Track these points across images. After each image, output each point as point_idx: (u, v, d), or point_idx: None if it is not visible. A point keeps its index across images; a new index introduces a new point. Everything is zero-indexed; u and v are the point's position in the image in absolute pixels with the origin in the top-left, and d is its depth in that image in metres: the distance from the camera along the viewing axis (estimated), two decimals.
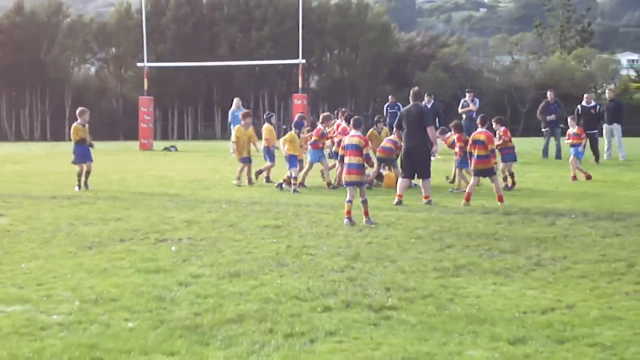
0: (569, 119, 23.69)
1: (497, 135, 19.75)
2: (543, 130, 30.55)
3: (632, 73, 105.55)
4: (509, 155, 20.16)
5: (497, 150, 19.09)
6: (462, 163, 19.48)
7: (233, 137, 21.73)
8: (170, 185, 21.06)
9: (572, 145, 22.66)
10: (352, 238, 12.41)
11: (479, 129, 17.51)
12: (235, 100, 35.67)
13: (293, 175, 19.80)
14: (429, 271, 9.99)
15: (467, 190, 17.07)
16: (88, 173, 20.08)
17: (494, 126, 19.96)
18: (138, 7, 73.93)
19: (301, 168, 21.16)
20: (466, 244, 11.81)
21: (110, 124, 78.76)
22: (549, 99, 30.76)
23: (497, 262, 10.52)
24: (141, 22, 48.84)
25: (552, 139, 30.20)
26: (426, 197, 16.91)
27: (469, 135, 18.06)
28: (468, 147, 17.68)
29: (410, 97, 17.60)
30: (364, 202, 14.26)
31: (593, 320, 7.74)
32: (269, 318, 7.80)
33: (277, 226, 13.62)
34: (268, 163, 21.87)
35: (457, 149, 19.62)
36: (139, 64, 49.33)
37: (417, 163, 17.11)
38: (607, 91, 34.50)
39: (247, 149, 21.57)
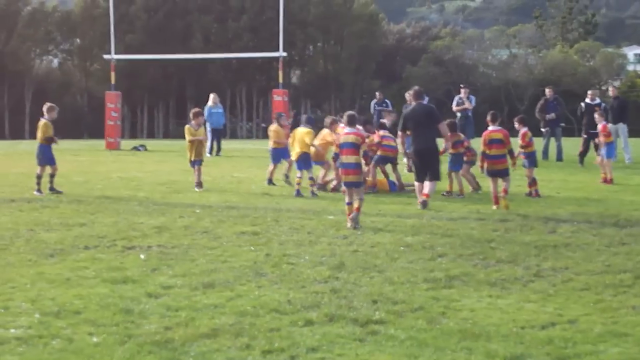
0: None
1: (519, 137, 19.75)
2: (542, 129, 30.62)
3: None
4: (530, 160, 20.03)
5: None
6: (455, 166, 19.54)
7: (188, 136, 21.35)
8: (139, 187, 21.00)
9: (605, 144, 22.63)
10: (336, 246, 12.41)
11: (492, 127, 17.59)
12: (212, 95, 35.72)
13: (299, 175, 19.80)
14: (419, 282, 9.99)
15: (493, 193, 17.11)
16: (53, 175, 19.94)
17: (516, 126, 19.87)
18: None
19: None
20: (459, 253, 11.82)
21: (74, 121, 78.50)
22: (547, 96, 30.82)
23: (493, 273, 10.53)
24: (108, 10, 48.62)
25: (553, 139, 30.29)
26: (426, 195, 16.97)
27: (465, 135, 18.22)
28: (482, 147, 17.60)
29: (411, 97, 18.14)
30: (361, 199, 14.59)
31: (597, 336, 7.76)
32: (245, 333, 7.78)
33: (255, 233, 13.60)
34: (271, 166, 21.70)
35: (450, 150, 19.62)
36: (105, 57, 49.16)
37: (429, 163, 17.32)
38: (610, 88, 34.56)
39: (198, 150, 21.24)
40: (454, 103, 31.35)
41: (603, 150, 22.70)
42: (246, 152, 38.30)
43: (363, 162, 16.59)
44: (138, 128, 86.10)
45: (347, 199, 14.74)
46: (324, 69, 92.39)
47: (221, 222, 14.88)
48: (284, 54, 43.14)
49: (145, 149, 39.68)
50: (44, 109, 20.43)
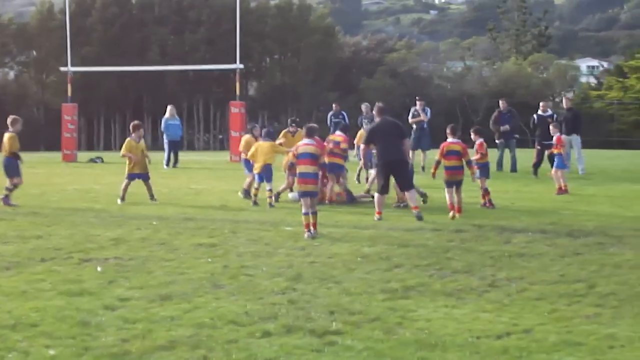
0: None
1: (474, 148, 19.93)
2: (497, 141, 30.79)
3: (592, 80, 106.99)
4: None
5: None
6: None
7: (123, 150, 21.14)
8: (95, 200, 20.89)
9: (554, 155, 23.01)
10: (293, 257, 12.40)
11: (451, 139, 17.95)
12: (169, 107, 35.62)
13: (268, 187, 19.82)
14: (376, 293, 10.01)
15: (449, 202, 17.46)
16: (14, 188, 19.88)
17: (472, 137, 20.06)
18: (61, 7, 73.23)
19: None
20: (416, 264, 11.85)
21: (31, 133, 77.36)
22: (501, 108, 31.01)
23: (449, 283, 10.57)
24: (64, 23, 48.47)
25: (507, 150, 30.46)
26: (416, 207, 17.02)
27: (421, 147, 18.40)
28: (438, 157, 17.94)
29: (375, 113, 18.13)
30: (314, 213, 14.69)
31: (551, 345, 7.81)
32: (203, 344, 7.76)
33: (213, 245, 13.56)
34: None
35: None
36: (62, 69, 48.91)
37: (400, 175, 17.39)
38: (564, 99, 34.86)
39: (142, 164, 21.06)
40: (410, 115, 31.40)
41: (555, 161, 22.97)
42: (203, 164, 38.19)
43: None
44: (95, 140, 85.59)
45: (303, 210, 14.82)
46: (280, 80, 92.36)
47: (178, 234, 14.82)
48: (241, 66, 43.12)
49: (102, 161, 39.43)
50: (8, 121, 20.30)
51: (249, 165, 20.88)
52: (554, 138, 23.22)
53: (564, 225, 15.87)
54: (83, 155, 44.43)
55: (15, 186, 19.88)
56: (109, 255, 12.52)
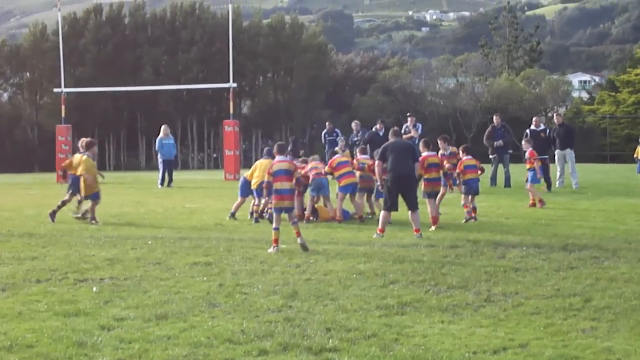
0: (523, 142, 24.24)
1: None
2: (490, 156, 30.83)
3: (585, 95, 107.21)
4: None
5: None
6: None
7: (82, 169, 21.02)
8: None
9: (528, 169, 23.28)
10: (289, 275, 12.38)
11: (427, 152, 18.84)
12: (163, 127, 35.64)
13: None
14: (372, 309, 9.99)
15: (431, 214, 18.36)
16: (80, 202, 20.96)
17: (460, 154, 20.88)
18: (54, 28, 73.52)
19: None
20: (411, 280, 11.84)
21: (25, 154, 77.86)
22: (495, 123, 31.07)
23: (445, 299, 10.56)
24: (58, 44, 48.55)
25: (501, 165, 30.50)
26: (418, 230, 16.96)
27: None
28: (419, 170, 18.24)
29: (391, 135, 18.25)
30: (295, 224, 15.22)
31: (548, 359, 7.79)
32: None
33: (208, 263, 13.54)
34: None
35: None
36: (55, 90, 48.96)
37: (408, 190, 17.42)
38: (555, 116, 34.99)
39: (95, 185, 21.00)
40: (402, 131, 31.41)
41: (530, 175, 23.18)
42: (198, 183, 38.16)
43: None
44: None
45: (274, 225, 15.14)
46: (274, 99, 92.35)
47: (173, 253, 14.80)
48: (234, 84, 43.19)
49: None
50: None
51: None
52: (527, 153, 23.49)
53: (558, 239, 15.88)
54: None
55: (64, 203, 21.04)
56: (104, 275, 12.50)
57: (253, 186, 20.22)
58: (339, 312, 9.85)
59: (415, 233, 16.89)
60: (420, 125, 31.83)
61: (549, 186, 28.50)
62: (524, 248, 14.76)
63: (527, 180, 23.56)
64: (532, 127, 29.82)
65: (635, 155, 31.58)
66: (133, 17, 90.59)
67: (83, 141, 21.77)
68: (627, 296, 10.54)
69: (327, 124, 35.18)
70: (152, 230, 18.48)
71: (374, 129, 31.00)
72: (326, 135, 33.77)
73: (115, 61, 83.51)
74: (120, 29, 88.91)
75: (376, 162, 18.09)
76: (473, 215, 19.88)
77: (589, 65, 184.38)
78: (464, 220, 19.72)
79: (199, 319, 9.60)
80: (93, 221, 20.09)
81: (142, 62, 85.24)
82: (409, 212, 17.24)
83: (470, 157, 20.52)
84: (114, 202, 26.19)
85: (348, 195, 20.74)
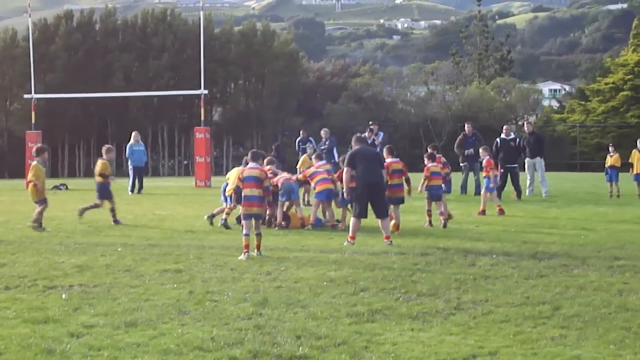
0: (480, 150, 24.45)
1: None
2: (461, 165, 30.92)
3: (555, 103, 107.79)
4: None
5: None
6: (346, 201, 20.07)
7: (31, 176, 20.87)
8: (60, 227, 20.74)
9: (484, 177, 23.53)
10: (259, 282, 12.36)
11: (391, 159, 19.13)
12: (134, 133, 35.53)
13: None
14: (342, 317, 9.99)
15: (395, 222, 18.84)
16: (112, 209, 21.72)
17: (425, 162, 21.28)
18: (25, 34, 73.14)
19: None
20: (382, 287, 11.84)
21: None
22: (466, 131, 31.16)
23: (415, 306, 10.57)
24: (28, 50, 48.34)
25: (471, 174, 30.60)
26: (388, 237, 17.03)
27: None
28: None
29: (355, 143, 18.15)
30: (259, 235, 15.32)
31: None
32: None
33: (178, 270, 13.49)
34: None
35: None
36: (26, 96, 48.75)
37: (377, 198, 17.42)
38: (525, 124, 35.20)
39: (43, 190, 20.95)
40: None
41: (485, 184, 23.39)
42: (168, 190, 38.06)
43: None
44: (59, 167, 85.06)
45: (244, 231, 15.23)
46: (245, 106, 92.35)
47: (143, 260, 14.74)
48: (205, 91, 43.10)
49: (67, 188, 39.18)
50: (103, 150, 23.42)
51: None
52: (484, 161, 23.73)
53: (528, 247, 15.94)
54: (47, 182, 44.09)
55: (96, 206, 22.15)
56: (73, 283, 12.43)
57: (227, 192, 20.37)
58: (309, 320, 9.84)
59: (385, 240, 16.91)
60: (381, 134, 31.82)
61: (518, 194, 28.63)
62: (494, 256, 14.80)
63: (483, 188, 23.83)
64: (502, 135, 29.95)
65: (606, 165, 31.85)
66: (104, 23, 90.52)
67: (34, 148, 21.99)
68: (596, 304, 10.58)
69: (300, 131, 35.07)
70: (122, 237, 18.40)
71: (363, 135, 30.94)
72: (300, 143, 33.70)
73: (86, 67, 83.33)
74: (91, 35, 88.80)
75: (344, 169, 18.01)
76: (442, 219, 20.21)
77: (559, 74, 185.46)
78: (425, 225, 20.27)
79: (169, 326, 9.56)
80: (36, 225, 19.93)
81: (113, 68, 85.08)
82: (379, 220, 17.27)
83: (435, 163, 21.03)
84: None
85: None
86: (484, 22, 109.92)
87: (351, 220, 17.47)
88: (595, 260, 14.31)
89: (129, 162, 35.26)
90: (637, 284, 12.01)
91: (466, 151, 30.55)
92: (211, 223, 20.69)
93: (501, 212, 22.89)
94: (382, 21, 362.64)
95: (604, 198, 29.79)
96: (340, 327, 9.46)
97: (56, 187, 38.95)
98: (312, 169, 21.41)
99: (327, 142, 30.77)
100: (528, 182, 30.65)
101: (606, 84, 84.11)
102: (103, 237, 18.56)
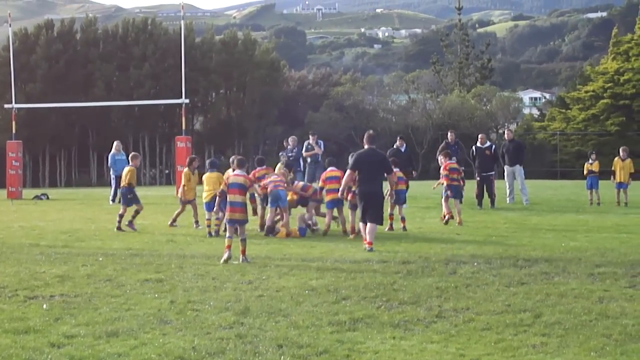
0: (440, 156, 24.70)
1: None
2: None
3: (535, 111, 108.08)
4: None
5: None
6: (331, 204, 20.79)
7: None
8: (41, 236, 20.67)
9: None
10: (241, 291, 12.35)
11: (332, 167, 20.82)
12: (115, 143, 35.45)
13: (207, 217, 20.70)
14: (324, 325, 9.99)
15: (351, 224, 19.82)
16: (137, 212, 22.81)
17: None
18: (5, 44, 72.98)
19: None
20: (363, 296, 11.85)
21: None
22: (449, 140, 31.14)
23: (396, 315, 10.58)
24: (8, 60, 48.23)
25: None
26: (370, 243, 17.31)
27: (316, 179, 20.09)
28: (320, 183, 20.92)
29: (365, 141, 18.49)
30: (243, 240, 15.65)
31: None
32: None
33: (159, 280, 13.46)
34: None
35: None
36: (6, 106, 48.46)
37: (375, 207, 17.87)
38: (505, 132, 35.32)
39: None
40: (304, 149, 31.24)
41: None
42: (150, 199, 37.86)
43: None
44: (40, 177, 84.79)
45: (228, 233, 15.87)
46: (226, 115, 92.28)
47: (125, 269, 14.70)
48: (187, 100, 42.99)
49: (48, 198, 39.08)
50: (129, 157, 24.45)
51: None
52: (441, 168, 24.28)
53: (509, 255, 15.97)
54: (28, 192, 44.03)
55: (137, 212, 22.75)
56: (54, 292, 12.39)
57: (204, 199, 20.59)
58: (291, 329, 9.83)
59: (366, 245, 17.23)
60: (322, 142, 31.83)
61: (492, 202, 28.62)
62: (475, 264, 14.83)
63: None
64: (478, 144, 29.97)
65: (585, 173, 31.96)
66: (84, 32, 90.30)
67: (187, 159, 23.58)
68: (577, 312, 10.61)
69: (290, 140, 34.83)
70: (103, 246, 18.36)
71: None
72: (287, 153, 33.60)
73: (67, 77, 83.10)
74: (72, 44, 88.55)
75: (347, 171, 18.45)
76: (402, 225, 21.15)
77: (539, 83, 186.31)
78: (386, 229, 20.73)
79: (150, 336, 9.54)
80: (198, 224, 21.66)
81: (94, 77, 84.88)
82: (367, 223, 17.60)
83: (333, 168, 21.28)
84: (65, 219, 26.02)
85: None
86: (464, 31, 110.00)
87: (360, 225, 18.21)
88: (576, 267, 14.35)
89: (111, 172, 35.16)
90: (618, 291, 12.06)
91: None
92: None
93: (450, 217, 22.79)
94: (363, 30, 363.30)
95: (584, 205, 29.87)
96: (322, 336, 9.46)
97: (37, 197, 38.85)
98: (327, 173, 21.48)
99: (294, 150, 30.84)
100: (508, 190, 30.71)
101: (586, 92, 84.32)
102: (84, 246, 18.50)
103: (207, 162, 22.02)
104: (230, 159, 20.30)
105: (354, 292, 12.10)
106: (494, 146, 30.76)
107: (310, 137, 31.46)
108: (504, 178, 31.11)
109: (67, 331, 9.75)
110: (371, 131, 19.64)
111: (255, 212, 20.02)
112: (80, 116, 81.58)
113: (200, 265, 15.11)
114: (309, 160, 30.67)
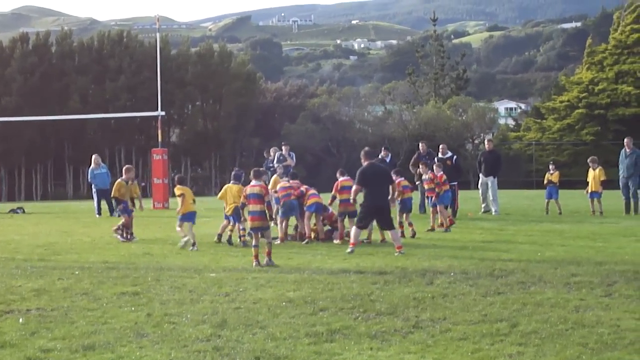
0: (421, 166, 25.31)
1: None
2: (417, 183, 30.98)
3: (511, 122, 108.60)
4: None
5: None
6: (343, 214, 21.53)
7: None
8: (17, 250, 20.56)
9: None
10: (218, 304, 12.32)
11: (343, 177, 21.58)
12: (94, 157, 35.29)
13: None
14: (301, 337, 9.98)
15: (340, 231, 21.17)
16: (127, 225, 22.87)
17: (338, 175, 22.40)
18: None
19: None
20: (340, 307, 11.85)
21: None
22: (421, 150, 31.22)
23: (373, 325, 10.58)
24: None
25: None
26: (399, 247, 18.30)
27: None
28: (334, 191, 21.75)
29: (363, 158, 19.35)
30: (269, 243, 16.91)
31: None
32: None
33: (136, 293, 13.41)
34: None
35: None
36: None
37: (383, 218, 19.00)
38: (486, 142, 35.45)
39: None
40: (275, 160, 31.18)
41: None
42: None
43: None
44: (16, 190, 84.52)
45: (254, 242, 16.95)
46: (203, 127, 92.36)
47: (101, 283, 14.64)
48: (163, 113, 43.02)
49: (23, 212, 38.90)
50: (123, 170, 24.37)
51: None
52: (425, 177, 25.13)
53: (485, 265, 16.00)
54: (4, 206, 43.87)
55: (124, 225, 22.83)
56: (30, 306, 12.32)
57: (228, 212, 21.23)
58: (268, 341, 9.82)
59: (397, 250, 18.20)
60: (293, 154, 31.87)
61: (454, 212, 28.63)
62: (452, 274, 14.85)
63: (433, 204, 24.81)
64: (439, 154, 30.05)
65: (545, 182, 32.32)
66: (60, 45, 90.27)
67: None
68: (554, 321, 10.65)
69: (271, 151, 34.65)
70: (80, 260, 18.27)
71: (380, 157, 30.81)
72: (268, 163, 33.54)
73: (42, 90, 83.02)
74: (47, 57, 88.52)
75: (354, 187, 19.46)
76: (411, 229, 22.17)
77: (514, 93, 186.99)
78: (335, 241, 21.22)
79: (127, 349, 9.51)
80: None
81: (70, 90, 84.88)
82: (388, 232, 19.06)
83: (346, 177, 21.76)
84: (41, 232, 25.90)
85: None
86: (439, 42, 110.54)
87: (353, 229, 18.98)
88: (552, 277, 14.39)
89: (93, 186, 35.04)
90: (594, 300, 12.10)
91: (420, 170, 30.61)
92: (219, 241, 21.48)
93: (411, 226, 22.88)
94: (338, 41, 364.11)
95: (558, 216, 29.98)
96: (299, 348, 9.45)
97: (13, 211, 38.68)
98: (341, 182, 21.93)
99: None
100: (481, 199, 30.83)
101: (561, 102, 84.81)
102: (60, 260, 18.41)
103: (232, 174, 22.34)
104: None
105: (331, 303, 12.10)
106: (455, 156, 30.79)
107: (283, 148, 31.48)
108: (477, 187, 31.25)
109: (44, 345, 9.70)
110: (367, 148, 20.56)
111: (271, 218, 20.05)
112: (56, 129, 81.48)
113: (177, 278, 15.07)
114: (279, 171, 30.57)
